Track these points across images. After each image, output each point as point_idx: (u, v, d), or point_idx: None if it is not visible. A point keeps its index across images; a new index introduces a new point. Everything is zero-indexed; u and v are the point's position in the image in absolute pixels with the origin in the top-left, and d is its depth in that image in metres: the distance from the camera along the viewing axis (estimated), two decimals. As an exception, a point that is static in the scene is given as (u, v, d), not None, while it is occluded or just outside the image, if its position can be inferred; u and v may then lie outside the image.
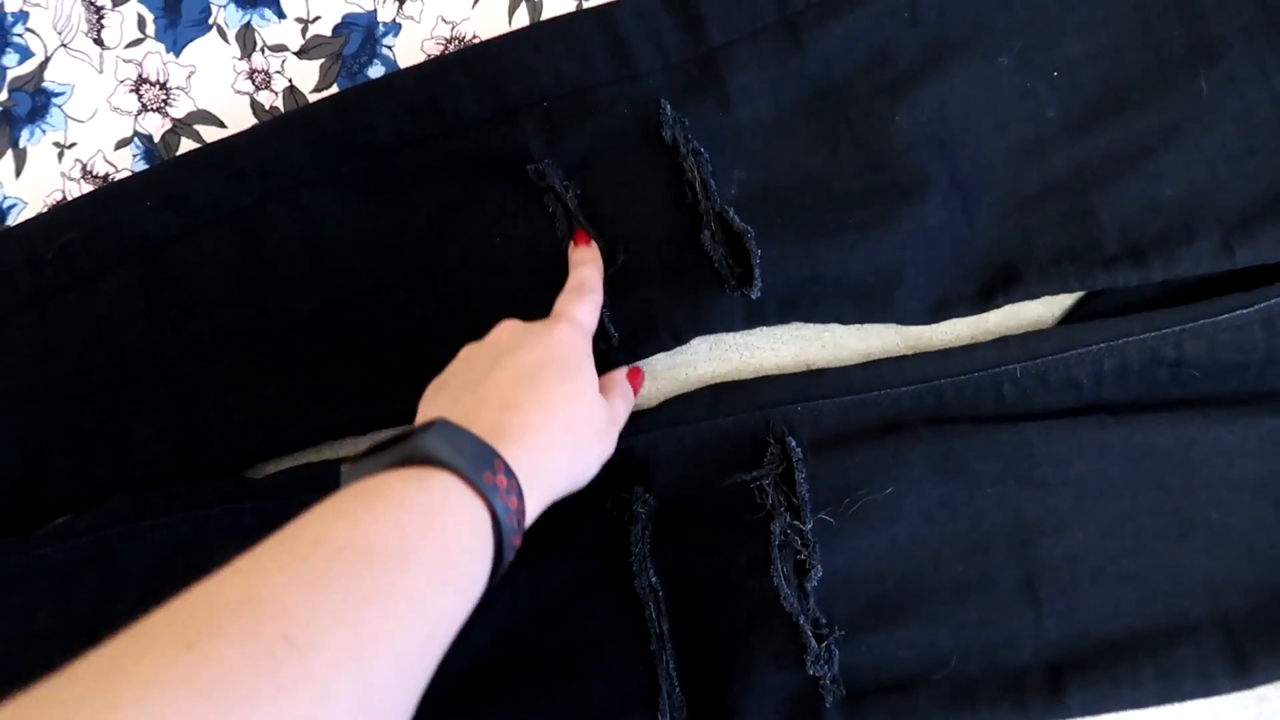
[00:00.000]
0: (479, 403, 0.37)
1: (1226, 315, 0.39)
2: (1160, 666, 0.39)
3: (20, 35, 0.44)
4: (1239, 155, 0.41)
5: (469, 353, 0.40)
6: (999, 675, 0.40)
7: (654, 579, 0.39)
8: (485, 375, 0.38)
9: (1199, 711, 0.41)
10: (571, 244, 0.43)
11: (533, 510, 0.36)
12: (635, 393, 0.46)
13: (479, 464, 0.34)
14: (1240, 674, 0.39)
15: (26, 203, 0.44)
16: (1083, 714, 0.40)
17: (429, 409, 0.39)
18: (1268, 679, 0.40)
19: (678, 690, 0.40)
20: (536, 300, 0.41)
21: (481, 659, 0.40)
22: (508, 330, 0.40)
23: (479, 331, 0.39)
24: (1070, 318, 0.42)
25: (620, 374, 0.45)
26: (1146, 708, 0.40)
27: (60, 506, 0.42)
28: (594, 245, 0.43)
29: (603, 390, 0.42)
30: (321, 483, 0.41)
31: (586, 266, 0.43)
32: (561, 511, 0.38)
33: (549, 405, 0.38)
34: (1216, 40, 0.41)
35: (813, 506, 0.39)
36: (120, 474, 0.41)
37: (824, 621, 0.39)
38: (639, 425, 0.41)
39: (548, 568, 0.40)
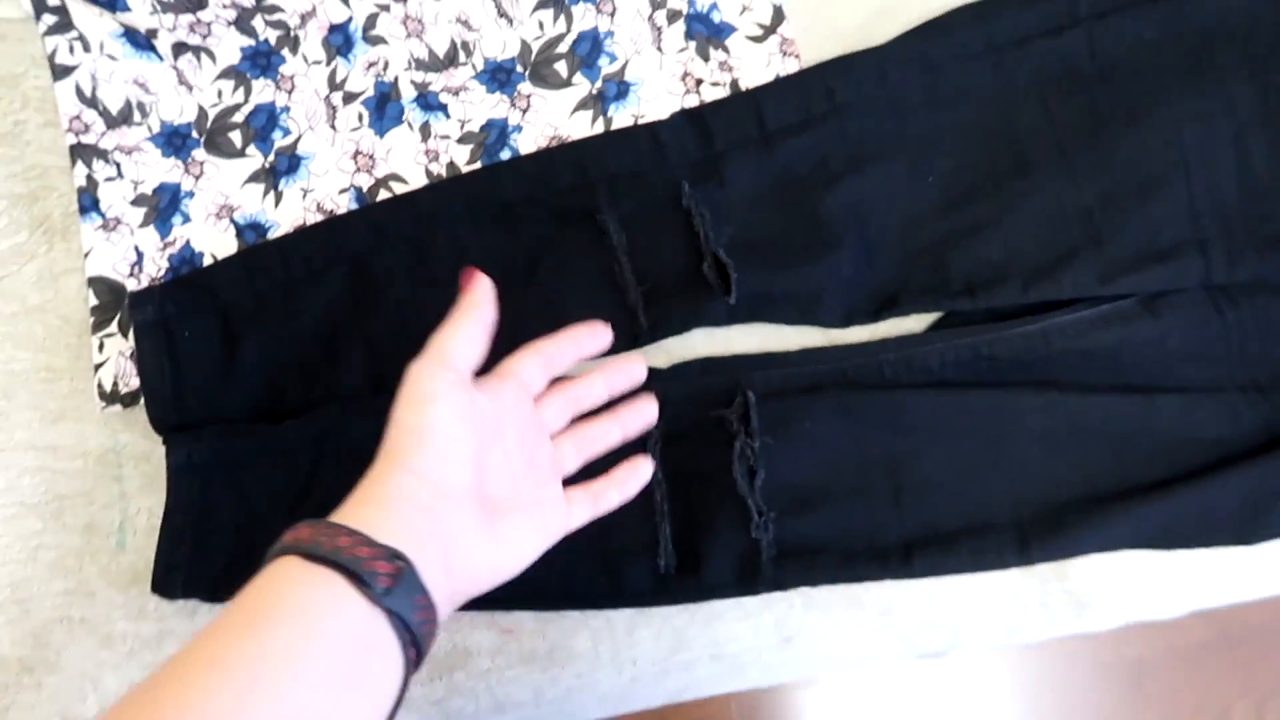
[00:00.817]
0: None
1: (1020, 329, 0.62)
2: (973, 547, 0.61)
3: (284, 121, 0.70)
4: (1038, 235, 0.64)
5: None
6: (872, 549, 0.61)
7: (660, 475, 0.62)
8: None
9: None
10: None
11: (446, 599, 0.42)
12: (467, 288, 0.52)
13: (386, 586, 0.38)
14: (1023, 555, 0.61)
15: (280, 225, 0.69)
16: (923, 575, 0.62)
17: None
18: (1039, 560, 0.62)
19: (670, 545, 0.62)
20: (595, 304, 0.65)
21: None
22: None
23: (557, 312, 0.63)
24: (932, 328, 0.66)
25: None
26: (962, 573, 0.63)
27: (293, 413, 0.66)
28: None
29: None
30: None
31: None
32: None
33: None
34: (1028, 159, 0.64)
35: (760, 433, 0.62)
36: (333, 394, 0.66)
37: (764, 508, 0.62)
38: (658, 377, 0.64)
39: (592, 461, 0.63)
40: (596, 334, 0.58)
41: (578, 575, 0.62)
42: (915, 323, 0.65)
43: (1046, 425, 0.62)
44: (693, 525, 0.62)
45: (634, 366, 0.59)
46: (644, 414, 0.58)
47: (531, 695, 0.63)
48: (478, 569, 0.43)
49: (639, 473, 0.55)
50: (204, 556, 0.63)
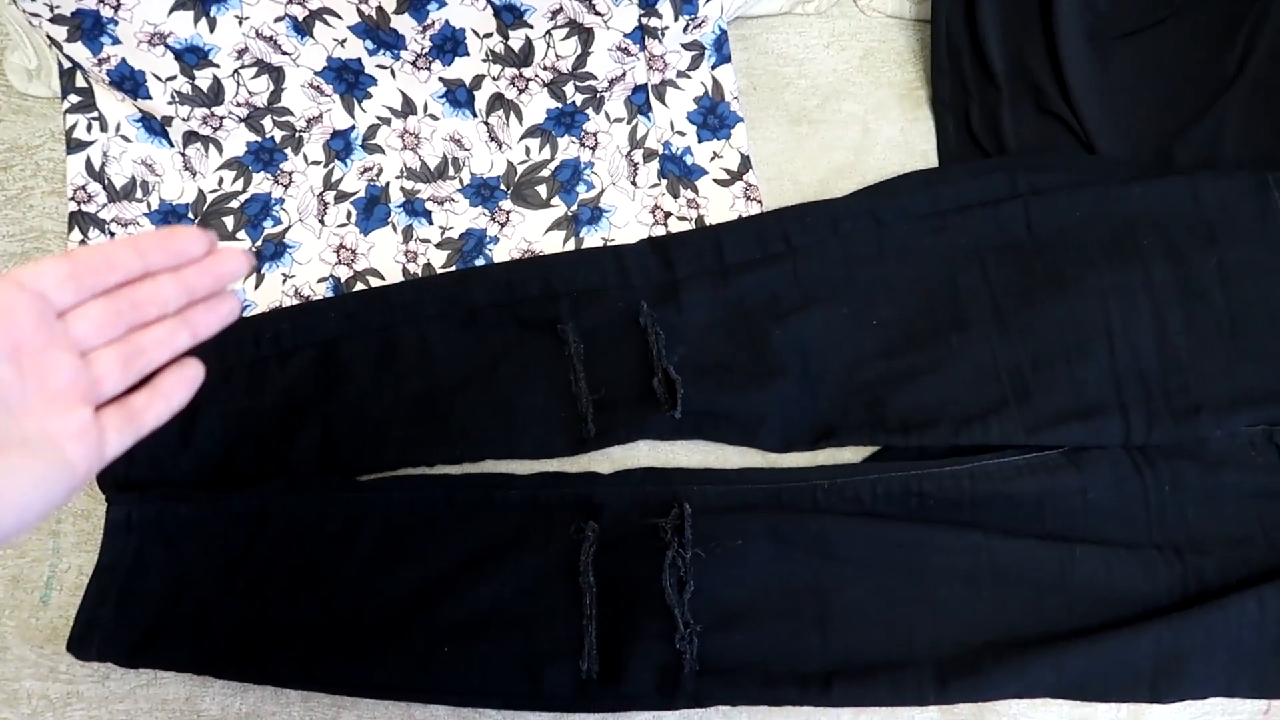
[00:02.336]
0: None
1: (949, 469, 0.65)
2: (892, 680, 0.61)
3: (276, 212, 0.74)
4: (970, 384, 0.67)
5: None
6: (793, 673, 0.62)
7: (591, 579, 0.63)
8: None
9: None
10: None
11: None
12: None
13: None
14: (941, 693, 0.61)
15: (257, 304, 0.72)
16: (841, 704, 0.62)
17: None
18: (956, 700, 0.62)
19: (594, 650, 0.62)
20: (547, 408, 0.67)
21: (476, 610, 0.63)
22: None
23: (511, 413, 0.66)
24: (867, 460, 0.69)
25: None
26: (880, 706, 0.63)
27: (240, 485, 0.68)
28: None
29: None
30: (407, 487, 0.66)
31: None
32: (541, 531, 0.64)
33: None
34: (964, 315, 0.69)
35: (692, 545, 0.63)
36: (283, 467, 0.67)
37: (690, 620, 0.62)
38: (599, 482, 0.66)
39: (526, 559, 0.63)
40: (181, 239, 0.43)
41: (497, 673, 0.62)
42: (851, 454, 0.68)
43: (969, 566, 0.63)
44: (618, 632, 0.62)
45: (227, 259, 0.45)
46: (221, 312, 0.45)
47: (436, 797, 0.61)
48: None
49: (188, 377, 0.44)
50: (125, 620, 0.62)
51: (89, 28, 0.67)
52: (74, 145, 0.73)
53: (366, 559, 0.64)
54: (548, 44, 0.71)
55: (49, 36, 0.68)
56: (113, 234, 0.72)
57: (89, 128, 0.73)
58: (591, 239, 0.72)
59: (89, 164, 0.72)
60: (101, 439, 0.40)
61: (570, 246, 0.72)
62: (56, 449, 0.39)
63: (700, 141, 0.74)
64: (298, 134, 0.74)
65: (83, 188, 0.72)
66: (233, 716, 0.62)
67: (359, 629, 0.63)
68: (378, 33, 0.70)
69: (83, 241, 0.71)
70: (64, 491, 0.39)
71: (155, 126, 0.73)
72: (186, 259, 0.43)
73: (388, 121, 0.75)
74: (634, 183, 0.74)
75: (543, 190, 0.74)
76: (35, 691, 0.63)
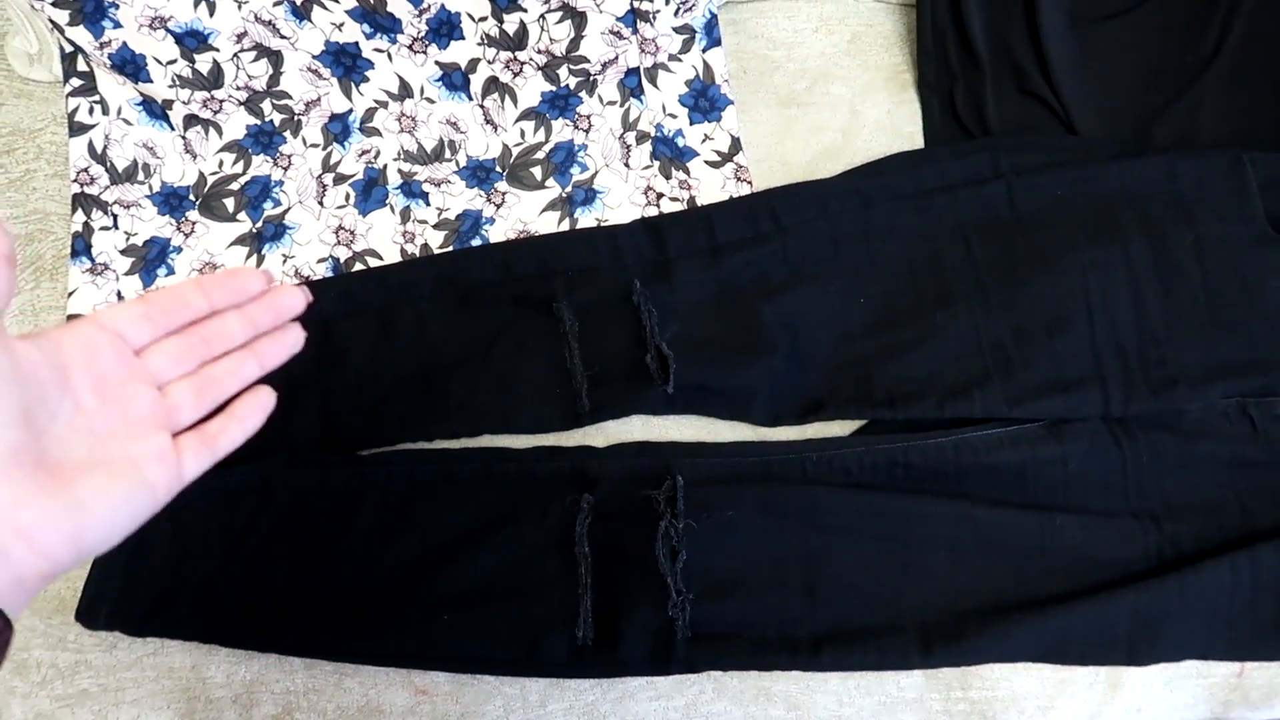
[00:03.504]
0: None
1: (933, 441, 0.67)
2: (879, 645, 0.63)
3: (276, 194, 0.75)
4: (954, 358, 0.69)
5: None
6: (783, 639, 0.63)
7: (587, 549, 0.64)
8: None
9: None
10: None
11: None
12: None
13: None
14: (926, 657, 0.63)
15: (258, 285, 0.74)
16: (830, 669, 0.64)
17: None
18: (941, 664, 0.64)
19: (590, 618, 0.64)
20: (543, 384, 0.69)
21: (474, 580, 0.65)
22: None
23: (508, 389, 0.68)
24: (854, 434, 0.71)
25: None
26: (868, 670, 0.65)
27: (242, 459, 0.69)
28: None
29: None
30: (406, 462, 0.68)
31: None
32: (537, 503, 0.66)
33: None
34: (949, 291, 0.71)
35: (685, 516, 0.65)
36: (284, 441, 0.69)
37: (682, 588, 0.64)
38: (594, 455, 0.68)
39: (523, 531, 0.65)
40: (242, 279, 0.49)
41: (496, 641, 0.63)
42: (839, 428, 0.70)
43: (954, 535, 0.65)
44: (613, 600, 0.64)
45: (285, 295, 0.50)
46: (286, 343, 0.50)
47: (437, 760, 0.63)
48: (49, 544, 0.38)
49: (261, 403, 0.48)
50: (132, 591, 0.64)
51: (90, 11, 0.68)
52: (76, 128, 0.74)
53: (367, 531, 0.66)
54: (542, 28, 0.72)
55: (51, 20, 0.69)
56: (115, 216, 0.73)
57: (91, 111, 0.74)
58: (585, 220, 0.74)
59: (91, 147, 0.74)
60: (180, 462, 0.44)
61: (565, 227, 0.74)
62: (138, 471, 0.42)
63: (692, 124, 0.76)
64: (296, 117, 0.76)
65: (85, 170, 0.73)
66: (237, 684, 0.64)
67: (360, 599, 0.64)
68: (375, 16, 0.71)
69: (85, 223, 0.72)
70: (146, 509, 0.42)
71: (156, 110, 0.74)
72: (248, 296, 0.48)
73: (385, 105, 0.76)
74: (627, 164, 0.75)
75: (537, 172, 0.75)
76: (44, 660, 0.64)
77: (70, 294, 0.71)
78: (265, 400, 0.49)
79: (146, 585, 0.64)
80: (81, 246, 0.72)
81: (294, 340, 0.50)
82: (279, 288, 0.49)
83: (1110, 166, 0.72)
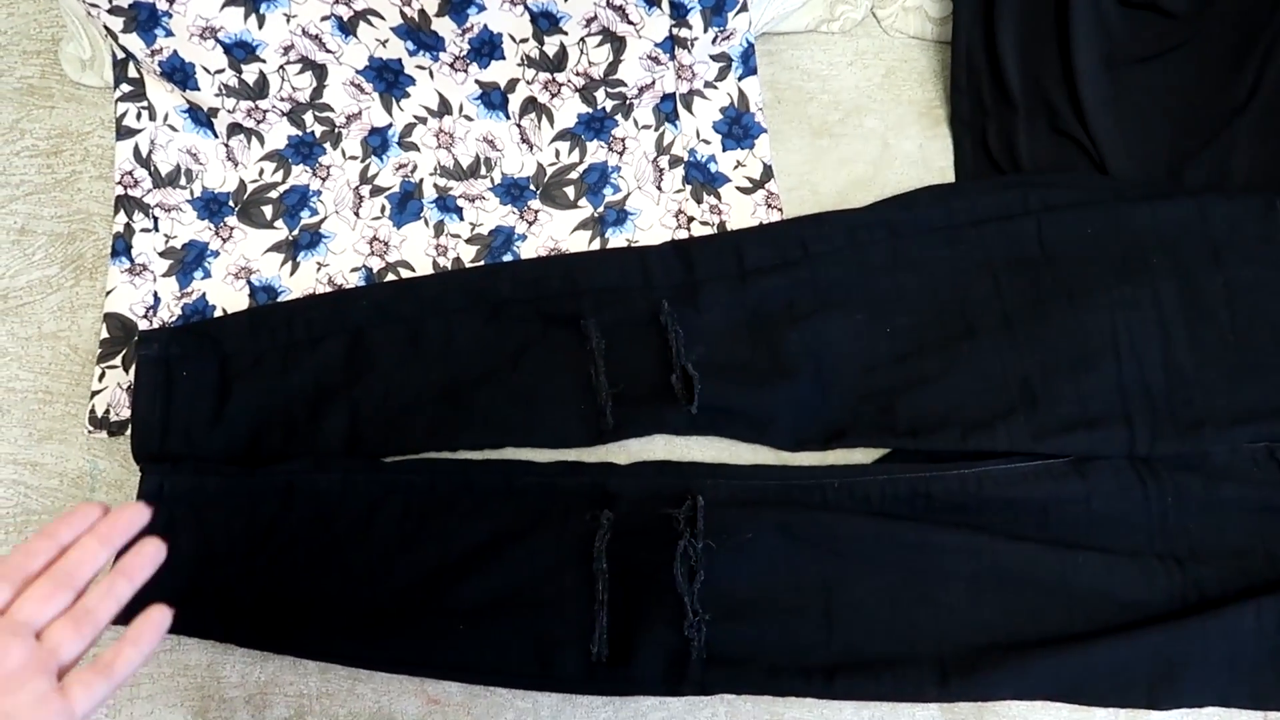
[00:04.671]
0: None
1: (956, 472, 0.67)
2: (895, 676, 0.62)
3: (313, 203, 0.77)
4: (979, 391, 0.69)
5: None
6: (798, 665, 0.63)
7: (604, 565, 0.64)
8: None
9: None
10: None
11: None
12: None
13: None
14: (943, 690, 0.63)
15: (292, 290, 0.75)
16: (844, 697, 0.63)
17: None
18: (957, 698, 0.63)
19: (605, 634, 0.64)
20: (567, 400, 0.69)
21: (491, 592, 0.65)
22: None
23: (532, 404, 0.68)
24: (877, 463, 0.70)
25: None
26: (882, 700, 0.64)
27: (268, 463, 0.70)
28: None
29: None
30: (429, 470, 0.68)
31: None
32: (557, 517, 0.66)
33: None
34: (975, 324, 0.71)
35: (704, 536, 0.65)
36: (310, 447, 0.69)
37: (699, 609, 0.64)
38: (615, 472, 0.68)
39: (542, 544, 0.65)
40: (80, 514, 0.50)
41: (510, 654, 0.63)
42: (862, 455, 0.70)
43: (973, 568, 0.65)
44: (628, 618, 0.64)
45: (129, 510, 0.51)
46: (149, 554, 0.51)
47: (446, 772, 0.63)
48: None
49: (156, 623, 0.50)
50: (154, 585, 0.64)
51: (144, 19, 0.70)
52: (123, 132, 0.76)
53: (387, 538, 0.66)
54: (581, 50, 0.73)
55: (106, 27, 0.71)
56: (155, 219, 0.75)
57: (138, 116, 0.76)
58: (616, 240, 0.75)
59: (136, 151, 0.75)
60: (68, 701, 0.45)
61: (595, 246, 0.75)
62: None
63: (725, 150, 0.77)
64: (337, 129, 0.77)
65: (129, 173, 0.75)
66: (252, 684, 0.64)
67: (377, 605, 0.65)
68: (419, 34, 0.73)
69: (127, 224, 0.74)
70: None
71: (201, 117, 0.76)
72: (90, 524, 0.50)
73: (424, 120, 0.77)
74: (659, 187, 0.76)
75: (571, 191, 0.76)
76: (63, 653, 0.65)
77: (108, 292, 0.72)
78: (161, 620, 0.50)
79: (167, 582, 0.64)
80: (122, 247, 0.73)
81: (155, 551, 0.51)
82: (121, 508, 0.50)
83: (1141, 207, 0.72)
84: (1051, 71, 0.77)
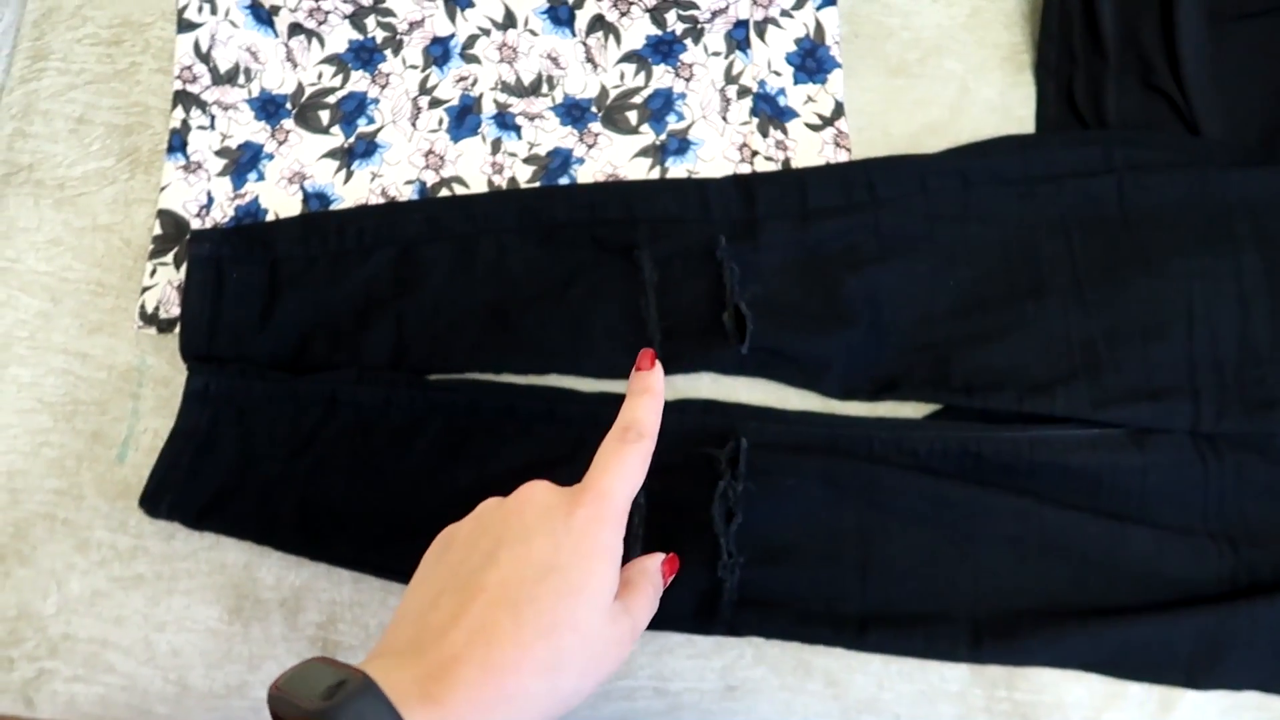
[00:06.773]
0: (442, 632, 0.35)
1: (1009, 434, 0.65)
2: (927, 633, 0.61)
3: (371, 111, 0.75)
4: (1040, 353, 0.67)
5: (486, 514, 0.42)
6: (830, 614, 0.62)
7: (642, 499, 0.64)
8: (475, 574, 0.38)
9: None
10: (636, 365, 0.49)
11: None
12: (667, 580, 0.46)
13: None
14: (975, 651, 0.62)
15: (344, 199, 0.74)
16: (874, 650, 0.62)
17: (428, 575, 0.40)
18: (989, 661, 0.63)
19: (638, 569, 0.64)
20: (616, 331, 0.68)
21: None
22: (528, 503, 0.40)
23: (580, 331, 0.67)
24: (928, 418, 0.69)
25: (652, 563, 0.46)
26: (912, 656, 0.63)
27: (313, 371, 0.69)
28: (658, 368, 0.49)
29: (626, 586, 0.42)
30: (472, 391, 0.68)
31: (643, 399, 0.45)
32: (598, 448, 0.65)
33: (527, 641, 0.34)
34: (1043, 284, 0.68)
35: (745, 478, 0.64)
36: (354, 359, 0.69)
37: (734, 551, 0.64)
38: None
39: (582, 472, 0.65)
40: None
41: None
42: (912, 409, 0.68)
43: (1018, 532, 0.63)
44: (662, 553, 0.63)
45: None
46: None
47: (471, 688, 0.63)
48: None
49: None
50: (195, 484, 0.65)
51: (210, -91, 0.69)
52: (184, 25, 0.74)
53: (426, 455, 0.66)
54: (655, -31, 0.71)
55: (171, -86, 0.69)
56: (213, 116, 0.74)
57: (200, 9, 0.74)
58: (676, 170, 0.73)
59: (196, 46, 0.74)
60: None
61: (655, 175, 0.73)
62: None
63: (796, 84, 0.74)
64: (399, 36, 0.75)
65: (189, 68, 0.74)
66: (286, 587, 0.65)
67: (413, 521, 0.64)
68: (489, -59, 0.70)
69: (184, 120, 0.73)
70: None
71: (263, 15, 0.74)
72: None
73: (487, 33, 0.75)
74: (725, 118, 0.74)
75: (633, 116, 0.74)
76: (105, 541, 0.66)
77: (163, 189, 0.72)
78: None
79: (209, 481, 0.65)
80: (178, 143, 0.73)
81: None
82: None
83: (1231, 173, 0.68)
84: (1150, 22, 0.72)
